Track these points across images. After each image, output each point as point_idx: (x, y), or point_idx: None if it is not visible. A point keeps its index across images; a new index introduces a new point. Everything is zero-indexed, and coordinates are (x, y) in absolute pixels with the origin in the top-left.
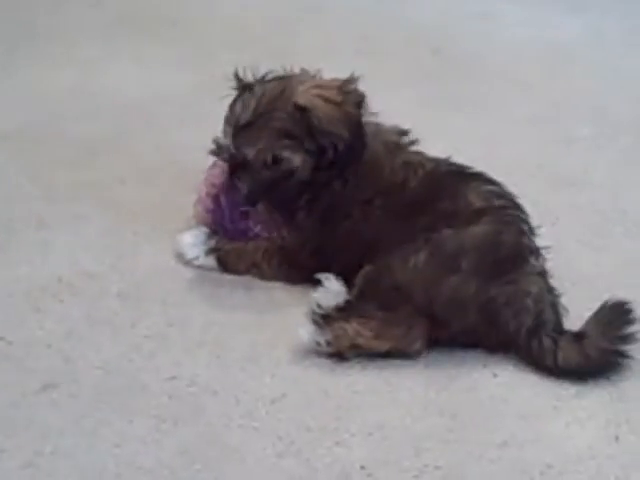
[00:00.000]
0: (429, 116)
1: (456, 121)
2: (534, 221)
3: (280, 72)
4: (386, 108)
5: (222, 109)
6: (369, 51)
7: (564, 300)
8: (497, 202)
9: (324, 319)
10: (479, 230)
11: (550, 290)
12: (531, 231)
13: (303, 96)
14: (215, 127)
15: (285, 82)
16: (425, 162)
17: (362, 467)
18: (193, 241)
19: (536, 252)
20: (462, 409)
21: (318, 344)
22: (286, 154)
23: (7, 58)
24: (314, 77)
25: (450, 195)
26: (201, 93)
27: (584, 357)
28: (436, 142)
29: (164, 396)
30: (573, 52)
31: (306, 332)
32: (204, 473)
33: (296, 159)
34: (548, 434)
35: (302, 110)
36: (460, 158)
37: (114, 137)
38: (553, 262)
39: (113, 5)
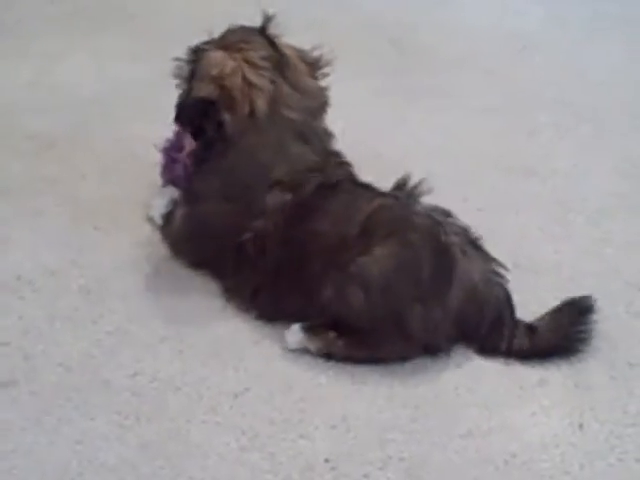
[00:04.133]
0: (388, 107)
1: (416, 112)
2: (497, 212)
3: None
4: (344, 99)
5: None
6: (325, 40)
7: (529, 290)
8: (370, 206)
9: (312, 329)
10: (387, 251)
11: (480, 252)
12: (412, 202)
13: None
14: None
15: None
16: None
17: (326, 460)
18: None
19: (440, 225)
20: (426, 400)
21: (307, 350)
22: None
23: None
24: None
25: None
26: (158, 86)
27: (535, 348)
28: (396, 133)
29: (126, 392)
30: (533, 40)
31: (294, 339)
32: (167, 469)
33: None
34: (512, 423)
35: None
36: (421, 149)
37: (72, 131)
38: (516, 251)
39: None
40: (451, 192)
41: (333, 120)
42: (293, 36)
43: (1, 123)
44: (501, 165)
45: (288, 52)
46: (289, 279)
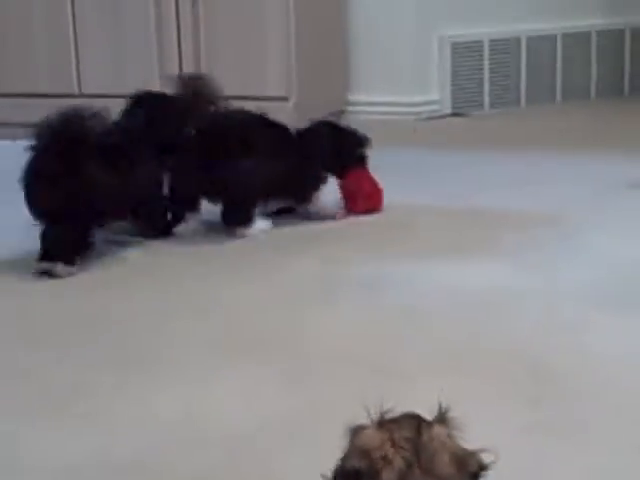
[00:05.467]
0: (528, 444)
1: (557, 449)
2: None
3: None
4: (482, 435)
5: (334, 435)
6: (463, 369)
7: None
8: None
9: None
10: None
11: None
12: None
13: None
14: (331, 457)
15: None
16: None
17: None
18: None
19: None
20: None
21: None
22: None
23: (118, 382)
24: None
25: None
26: (312, 418)
27: None
28: (537, 472)
29: None
30: None
31: None
32: None
33: None
34: None
35: None
36: None
37: (219, 471)
38: None
39: (219, 318)
40: None
41: None
42: (438, 366)
43: (156, 459)
44: None
45: (433, 440)
46: None
